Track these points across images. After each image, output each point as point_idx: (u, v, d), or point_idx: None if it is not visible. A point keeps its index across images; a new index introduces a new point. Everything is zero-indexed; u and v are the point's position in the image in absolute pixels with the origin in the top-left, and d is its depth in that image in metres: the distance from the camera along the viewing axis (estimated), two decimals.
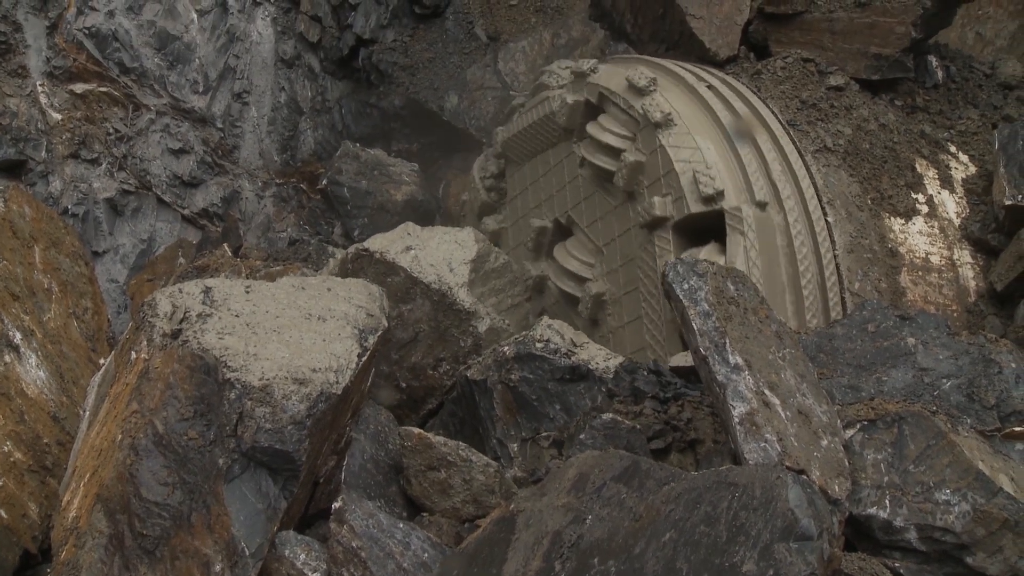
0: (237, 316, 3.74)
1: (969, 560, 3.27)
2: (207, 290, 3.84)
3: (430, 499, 4.11)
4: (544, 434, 4.64)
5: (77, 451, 4.13)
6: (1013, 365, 3.85)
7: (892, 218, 6.08)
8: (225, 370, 3.50)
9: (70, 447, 4.46)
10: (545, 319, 5.19)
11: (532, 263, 7.27)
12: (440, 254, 5.74)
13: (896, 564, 3.33)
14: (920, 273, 5.98)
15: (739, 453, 3.20)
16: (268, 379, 3.50)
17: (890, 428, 3.50)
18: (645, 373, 4.41)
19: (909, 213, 6.14)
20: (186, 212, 10.59)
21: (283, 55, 10.91)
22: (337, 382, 3.60)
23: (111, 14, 10.16)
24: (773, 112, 6.29)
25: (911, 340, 4.02)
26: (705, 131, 6.02)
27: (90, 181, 10.12)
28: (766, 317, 3.69)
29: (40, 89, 9.95)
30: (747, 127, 6.09)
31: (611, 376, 4.63)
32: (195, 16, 10.53)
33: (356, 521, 3.40)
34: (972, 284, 6.05)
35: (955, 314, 5.90)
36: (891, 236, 6.01)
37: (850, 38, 6.76)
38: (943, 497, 3.32)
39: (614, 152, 6.37)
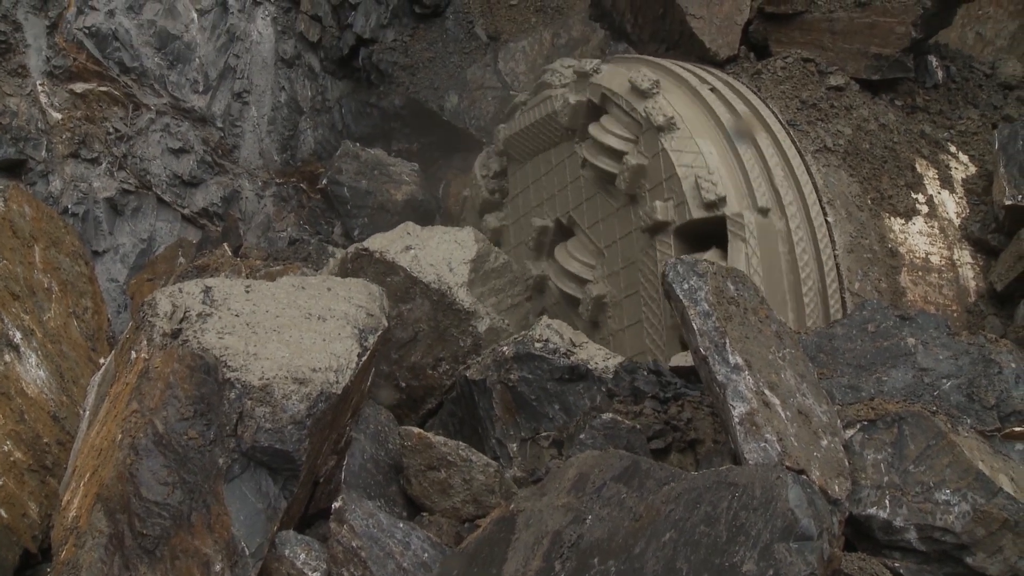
0: (237, 316, 3.74)
1: (969, 560, 3.27)
2: (207, 290, 3.84)
3: (430, 499, 4.11)
4: (544, 434, 4.64)
5: (77, 451, 4.13)
6: (1013, 365, 3.85)
7: (892, 218, 6.08)
8: (225, 370, 3.50)
9: (70, 447, 4.46)
10: (544, 319, 5.19)
11: (533, 262, 7.26)
12: (440, 254, 5.74)
13: (896, 564, 3.33)
14: (920, 273, 5.98)
15: (739, 453, 3.20)
16: (268, 379, 3.50)
17: (890, 428, 3.50)
18: (645, 373, 4.41)
19: (909, 213, 6.14)
20: (186, 212, 10.59)
21: (283, 55, 10.91)
22: (337, 382, 3.60)
23: (111, 13, 10.16)
24: (773, 112, 6.28)
25: (911, 340, 4.02)
26: (707, 135, 6.01)
27: (90, 180, 10.12)
28: (766, 317, 3.69)
29: (40, 88, 9.95)
30: (747, 127, 6.09)
31: (610, 376, 4.63)
32: (195, 16, 10.53)
33: (356, 521, 3.40)
34: (972, 284, 6.05)
35: (955, 314, 5.90)
36: (891, 236, 6.01)
37: (850, 38, 6.76)
38: (943, 497, 3.32)
39: (616, 154, 6.35)
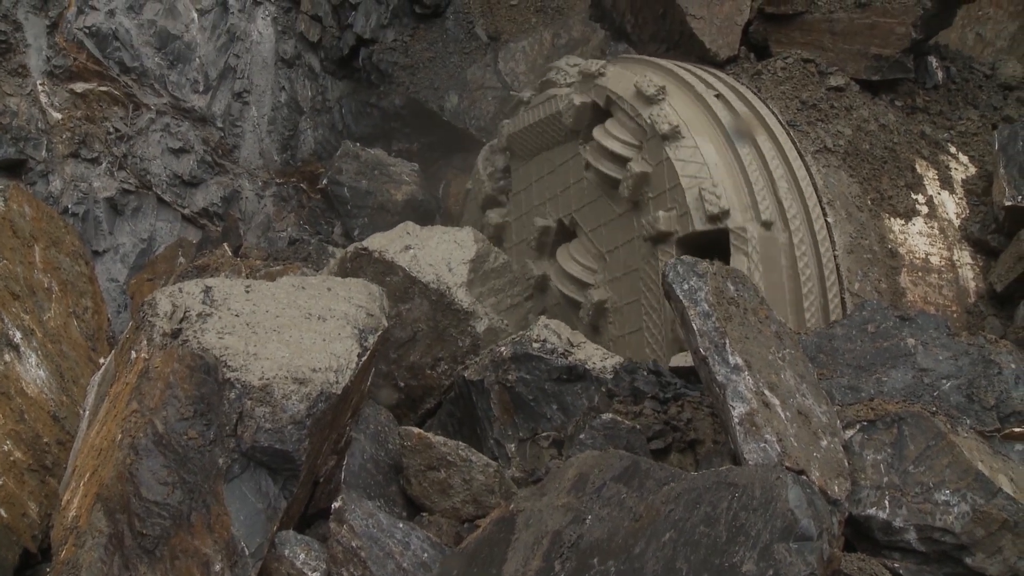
0: (237, 316, 3.74)
1: (968, 561, 3.27)
2: (207, 290, 3.84)
3: (430, 499, 4.11)
4: (544, 434, 4.64)
5: (77, 450, 4.13)
6: (1013, 366, 3.86)
7: (892, 219, 6.08)
8: (225, 370, 3.50)
9: (70, 446, 4.46)
10: (542, 319, 5.19)
11: (535, 262, 7.25)
12: (439, 254, 5.74)
13: (896, 564, 3.34)
14: (920, 274, 5.98)
15: (739, 453, 3.21)
16: (268, 379, 3.50)
17: (890, 428, 3.50)
18: (645, 373, 4.42)
19: (909, 214, 6.14)
20: (186, 211, 10.59)
21: (283, 55, 10.91)
22: (337, 382, 3.60)
23: (111, 13, 10.16)
24: (773, 113, 6.27)
25: (911, 341, 4.02)
26: (712, 145, 5.96)
27: (90, 180, 10.12)
28: (766, 317, 3.69)
29: (40, 88, 9.95)
30: (747, 128, 6.08)
31: (608, 376, 4.63)
32: (195, 15, 10.54)
33: (356, 521, 3.40)
34: (972, 285, 6.05)
35: (955, 315, 5.90)
36: (891, 237, 6.00)
37: (850, 39, 6.75)
38: (942, 498, 3.32)
39: (620, 160, 6.30)
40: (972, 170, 6.49)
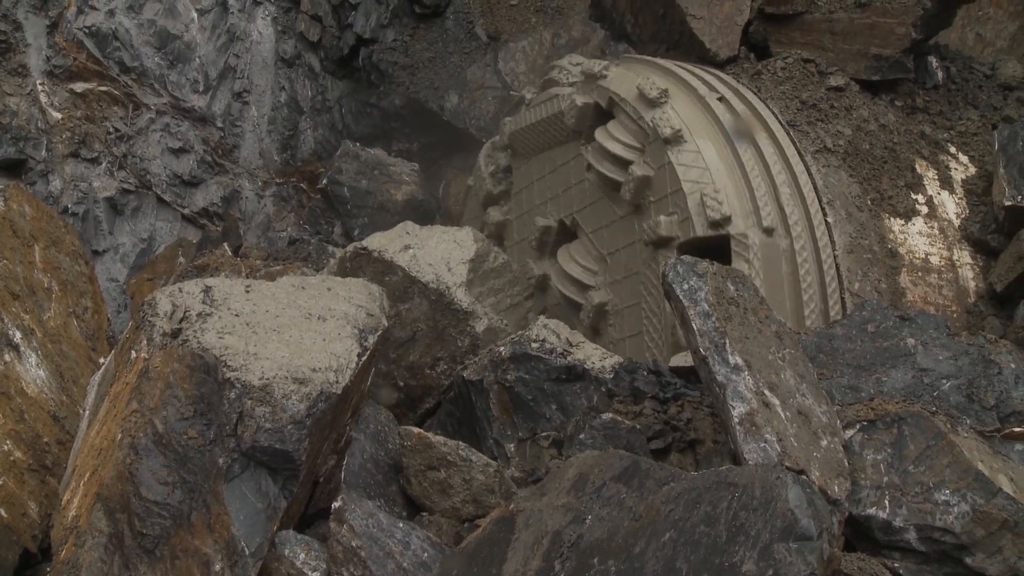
0: (237, 315, 3.74)
1: (968, 560, 3.27)
2: (207, 289, 3.84)
3: (430, 499, 4.11)
4: (544, 434, 4.65)
5: (77, 450, 4.13)
6: (1013, 366, 3.86)
7: (892, 219, 6.08)
8: (225, 369, 3.50)
9: (70, 446, 4.46)
10: (541, 319, 5.19)
11: (535, 261, 7.25)
12: (439, 253, 5.74)
13: (896, 564, 3.34)
14: (920, 274, 5.98)
15: (739, 453, 3.21)
16: (268, 378, 3.50)
17: (890, 428, 3.50)
18: (645, 373, 4.42)
19: (909, 214, 6.14)
20: (186, 211, 10.59)
21: (283, 54, 10.91)
22: (337, 382, 3.60)
23: (111, 13, 10.16)
24: (773, 113, 6.27)
25: (911, 340, 4.02)
26: (715, 149, 5.93)
27: (90, 180, 10.12)
28: (766, 317, 3.69)
29: (40, 88, 9.95)
30: (747, 128, 6.07)
31: (607, 376, 4.63)
32: (195, 15, 10.54)
33: (356, 520, 3.40)
34: (972, 285, 6.05)
35: (955, 315, 5.91)
36: (891, 237, 6.00)
37: (850, 39, 6.75)
38: (942, 497, 3.32)
39: (621, 163, 6.28)
40: (972, 170, 6.49)
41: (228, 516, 3.35)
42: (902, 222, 6.10)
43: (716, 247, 5.73)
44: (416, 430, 4.19)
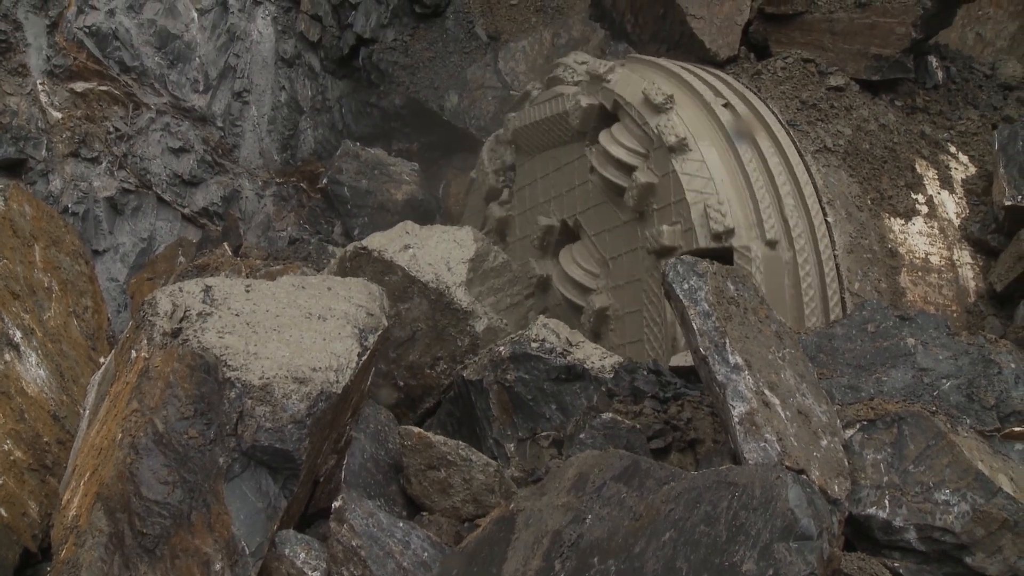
0: (237, 315, 3.74)
1: (968, 560, 3.28)
2: (207, 289, 3.84)
3: (430, 498, 4.11)
4: (544, 434, 4.65)
5: (77, 450, 4.13)
6: (1012, 365, 3.86)
7: (892, 218, 6.08)
8: (225, 369, 3.50)
9: (70, 446, 4.46)
10: (541, 318, 5.19)
11: (537, 260, 7.23)
12: (438, 253, 5.74)
13: (896, 564, 3.34)
14: (920, 273, 5.98)
15: (739, 453, 3.21)
16: (268, 378, 3.50)
17: (890, 428, 3.50)
18: (645, 373, 4.42)
19: (909, 213, 6.14)
20: (186, 211, 10.59)
21: (283, 54, 10.91)
22: (337, 381, 3.60)
23: (111, 13, 10.17)
24: (773, 112, 6.27)
25: (911, 340, 4.02)
26: (720, 159, 5.90)
27: (90, 180, 10.12)
28: (766, 317, 3.69)
29: (40, 88, 9.96)
30: (747, 129, 6.07)
31: (607, 375, 4.63)
32: (195, 15, 10.54)
33: (356, 520, 3.40)
34: (972, 284, 6.05)
35: (955, 314, 5.91)
36: (891, 236, 6.01)
37: (850, 39, 6.75)
38: (942, 497, 3.32)
39: (625, 168, 6.24)
40: (972, 170, 6.49)
41: (228, 515, 3.35)
42: (902, 222, 6.10)
43: (718, 258, 5.71)
44: (416, 430, 4.20)
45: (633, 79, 6.45)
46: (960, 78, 7.06)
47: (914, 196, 6.21)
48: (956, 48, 7.92)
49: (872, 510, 3.36)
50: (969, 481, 3.31)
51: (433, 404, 5.54)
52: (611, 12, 8.11)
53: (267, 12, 10.88)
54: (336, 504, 3.47)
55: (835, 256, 5.74)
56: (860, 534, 3.41)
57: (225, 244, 7.84)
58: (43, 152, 9.84)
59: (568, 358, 4.78)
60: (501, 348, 4.87)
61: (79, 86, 10.11)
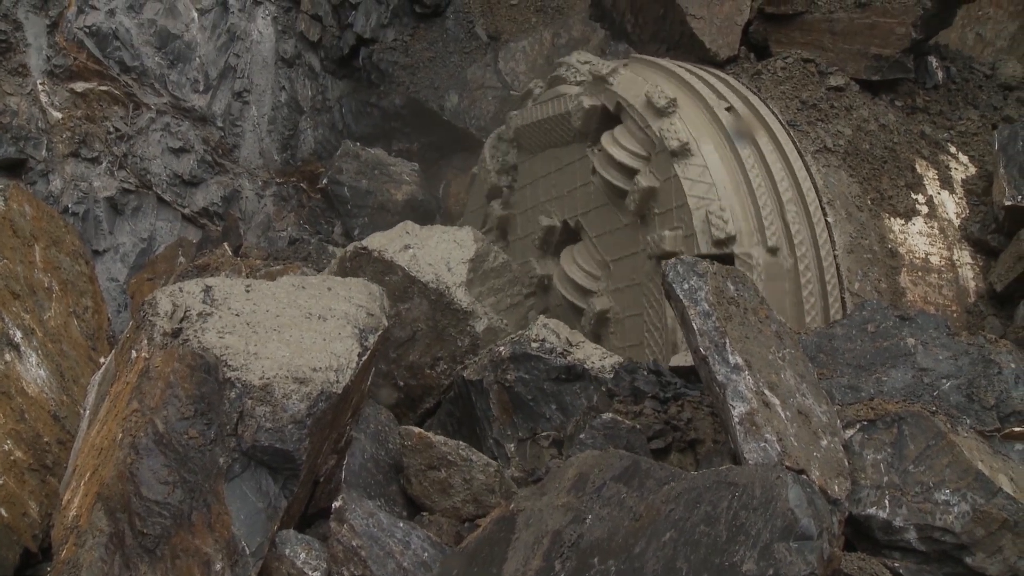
0: (237, 315, 3.74)
1: (968, 560, 3.28)
2: (207, 289, 3.84)
3: (430, 498, 4.11)
4: (544, 434, 4.65)
5: (77, 450, 4.13)
6: (1013, 366, 3.86)
7: (892, 218, 6.08)
8: (225, 369, 3.50)
9: (70, 446, 4.46)
10: (541, 318, 5.19)
11: (538, 260, 7.22)
12: (438, 253, 5.74)
13: (896, 564, 3.34)
14: (920, 273, 5.98)
15: (739, 453, 3.21)
16: (268, 378, 3.50)
17: (890, 428, 3.50)
18: (645, 373, 4.42)
19: (909, 213, 6.14)
20: (186, 211, 10.60)
21: (283, 54, 10.92)
22: (337, 381, 3.60)
23: (112, 13, 10.17)
24: (773, 112, 6.27)
25: (911, 340, 4.03)
26: (722, 163, 5.88)
27: (90, 180, 10.12)
28: (766, 317, 3.69)
29: (40, 88, 9.96)
30: (748, 129, 6.06)
31: (607, 375, 4.63)
32: (195, 15, 10.54)
33: (356, 520, 3.40)
34: (972, 285, 6.05)
35: (955, 314, 5.91)
36: (891, 236, 6.01)
37: (850, 39, 6.76)
38: (943, 497, 3.32)
39: (627, 171, 6.23)
40: (972, 170, 6.49)
41: (229, 516, 3.35)
42: (902, 222, 6.10)
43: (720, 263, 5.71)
44: (416, 430, 4.20)
45: (636, 81, 6.43)
46: (960, 78, 7.06)
47: (914, 196, 6.21)
48: (956, 48, 7.93)
49: (872, 510, 3.36)
50: (969, 481, 3.31)
51: (433, 404, 5.54)
52: (611, 12, 8.11)
53: (267, 12, 10.88)
54: (336, 504, 3.47)
55: (835, 257, 5.74)
56: (860, 534, 3.41)
57: (225, 244, 7.85)
58: (43, 152, 9.84)
59: (568, 358, 4.78)
60: (501, 348, 4.87)
61: (79, 86, 10.11)
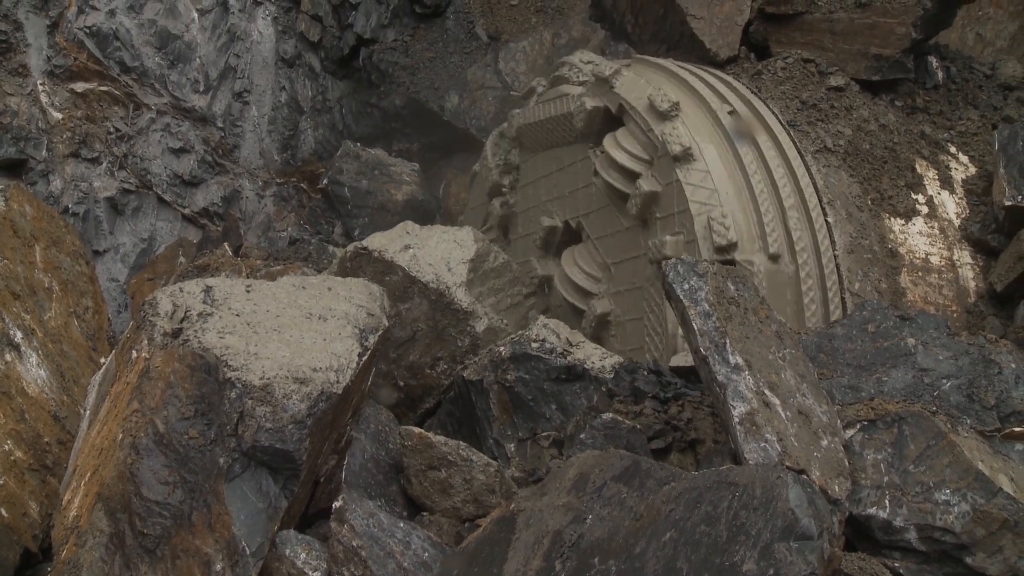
0: (238, 315, 3.74)
1: (969, 560, 3.28)
2: (208, 289, 3.84)
3: (430, 498, 4.11)
4: (544, 434, 4.65)
5: (78, 450, 4.13)
6: (1013, 366, 3.86)
7: (892, 218, 6.08)
8: (226, 369, 3.50)
9: (71, 446, 4.47)
10: (541, 318, 5.19)
11: (540, 260, 7.22)
12: (439, 253, 5.74)
13: (896, 564, 3.34)
14: (920, 274, 5.98)
15: (739, 453, 3.21)
16: (269, 378, 3.50)
17: (890, 428, 3.50)
18: (645, 373, 4.42)
19: (909, 214, 6.14)
20: (187, 211, 10.60)
21: (284, 54, 10.92)
22: (338, 381, 3.60)
23: (112, 13, 10.17)
24: (774, 112, 6.26)
25: (911, 340, 4.03)
26: (725, 170, 5.86)
27: (91, 180, 10.13)
28: (766, 317, 3.69)
29: (41, 88, 9.96)
30: (748, 129, 6.06)
31: (608, 375, 4.63)
32: (196, 15, 10.55)
33: (356, 520, 3.41)
34: (972, 285, 6.05)
35: (955, 315, 5.91)
36: (891, 236, 6.01)
37: (850, 39, 6.75)
38: (943, 497, 3.32)
39: (629, 174, 6.21)
40: (972, 170, 6.49)
41: (229, 516, 3.35)
42: (902, 222, 6.10)
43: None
44: (417, 430, 4.20)
45: (639, 83, 6.41)
46: (960, 78, 7.06)
47: (914, 196, 6.21)
48: (956, 48, 7.92)
49: (872, 510, 3.37)
50: (969, 481, 3.31)
51: (433, 404, 5.54)
52: (611, 12, 8.11)
53: (267, 12, 10.88)
54: (337, 504, 3.47)
55: (835, 257, 5.74)
56: (860, 534, 3.41)
57: (225, 244, 7.84)
58: (43, 152, 9.85)
59: (568, 358, 4.78)
60: (501, 348, 4.88)
61: (79, 86, 10.12)
